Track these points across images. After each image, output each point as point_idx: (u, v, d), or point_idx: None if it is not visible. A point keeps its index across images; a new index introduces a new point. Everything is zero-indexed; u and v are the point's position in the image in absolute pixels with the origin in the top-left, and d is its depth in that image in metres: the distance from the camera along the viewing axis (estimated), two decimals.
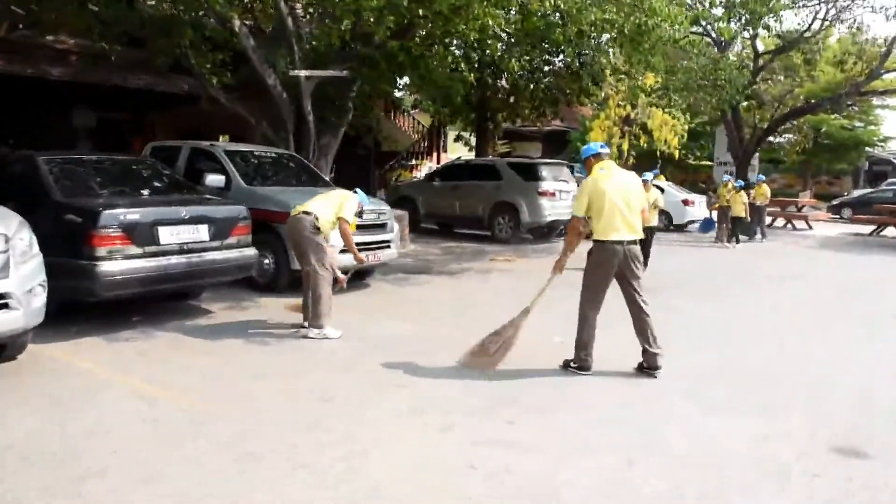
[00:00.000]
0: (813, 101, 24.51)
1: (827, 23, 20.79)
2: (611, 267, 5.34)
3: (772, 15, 17.38)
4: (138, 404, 4.55)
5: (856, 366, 6.07)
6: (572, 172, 17.20)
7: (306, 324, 6.47)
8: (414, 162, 25.61)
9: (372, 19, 10.67)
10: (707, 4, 19.40)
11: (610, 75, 20.14)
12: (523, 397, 4.88)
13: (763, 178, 19.21)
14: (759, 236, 17.52)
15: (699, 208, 20.10)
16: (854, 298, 9.66)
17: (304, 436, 4.10)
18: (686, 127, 31.72)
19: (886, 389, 5.40)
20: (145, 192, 6.88)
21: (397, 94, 24.31)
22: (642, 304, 5.42)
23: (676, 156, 33.23)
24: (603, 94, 30.40)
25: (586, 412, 4.66)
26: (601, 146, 5.57)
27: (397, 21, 10.80)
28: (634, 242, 5.34)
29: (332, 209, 6.49)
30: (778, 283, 10.92)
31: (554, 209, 14.80)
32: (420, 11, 10.64)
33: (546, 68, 19.61)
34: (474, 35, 10.98)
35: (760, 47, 23.68)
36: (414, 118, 26.76)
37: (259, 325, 6.76)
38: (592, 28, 10.89)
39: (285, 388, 4.96)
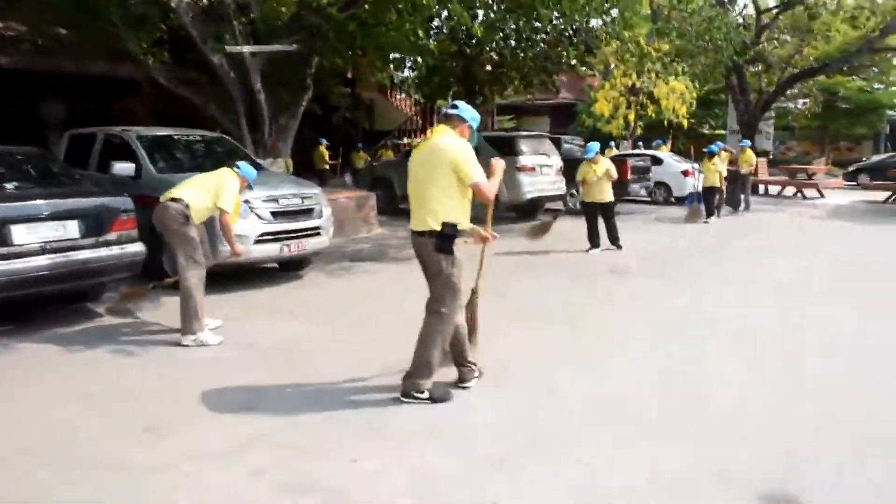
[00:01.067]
0: (826, 62, 23.05)
1: None
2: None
3: None
4: None
5: (829, 382, 4.88)
6: (558, 146, 16.13)
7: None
8: (406, 140, 24.68)
9: None
10: None
11: (602, 41, 18.98)
12: (390, 423, 4.04)
13: (747, 143, 16.90)
14: (742, 207, 16.12)
15: (699, 179, 18.94)
16: (846, 279, 8.58)
17: (91, 475, 3.33)
18: (694, 95, 30.51)
19: (861, 419, 4.42)
20: (10, 185, 6.08)
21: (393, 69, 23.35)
22: (427, 310, 4.37)
23: (685, 125, 32.17)
24: (608, 65, 29.08)
25: (450, 443, 3.79)
26: (447, 107, 4.50)
27: None
28: (422, 234, 4.23)
29: (206, 194, 5.63)
30: (759, 262, 9.81)
31: (534, 185, 13.85)
32: None
33: (536, 37, 18.44)
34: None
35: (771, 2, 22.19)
36: (413, 97, 25.72)
37: (141, 331, 5.98)
38: None
39: (115, 413, 4.19)
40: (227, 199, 5.61)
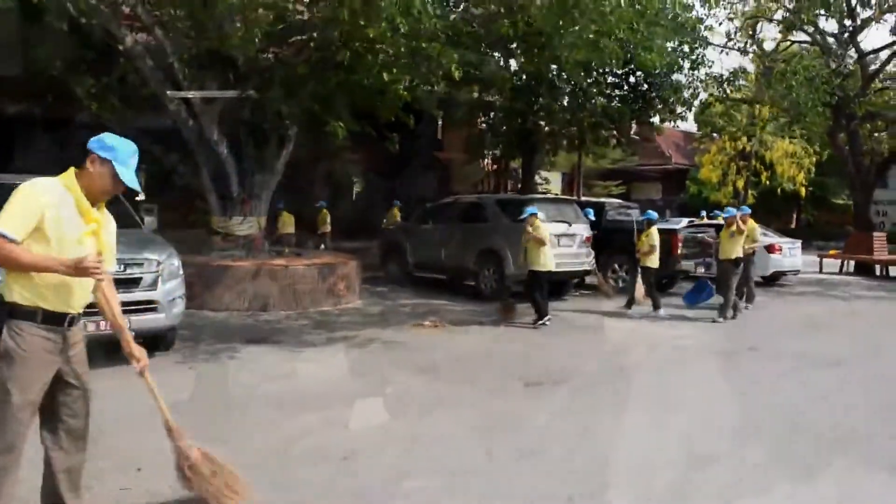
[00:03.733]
0: None
1: None
2: None
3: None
4: None
5: None
6: (600, 213, 13.89)
7: None
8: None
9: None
10: None
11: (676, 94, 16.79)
12: None
13: (746, 210, 11.58)
14: (742, 302, 11.54)
15: (792, 256, 15.83)
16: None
17: None
18: (812, 159, 26.89)
19: None
20: None
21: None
22: None
23: (802, 193, 28.43)
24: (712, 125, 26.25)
25: None
26: None
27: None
28: None
29: None
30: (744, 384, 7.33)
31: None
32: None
33: (592, 90, 16.44)
34: (374, 32, 8.51)
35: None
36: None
37: None
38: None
39: None
40: None
